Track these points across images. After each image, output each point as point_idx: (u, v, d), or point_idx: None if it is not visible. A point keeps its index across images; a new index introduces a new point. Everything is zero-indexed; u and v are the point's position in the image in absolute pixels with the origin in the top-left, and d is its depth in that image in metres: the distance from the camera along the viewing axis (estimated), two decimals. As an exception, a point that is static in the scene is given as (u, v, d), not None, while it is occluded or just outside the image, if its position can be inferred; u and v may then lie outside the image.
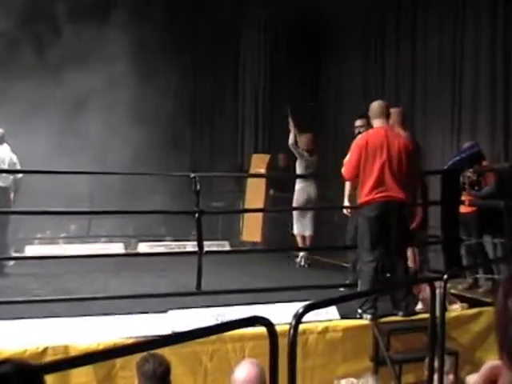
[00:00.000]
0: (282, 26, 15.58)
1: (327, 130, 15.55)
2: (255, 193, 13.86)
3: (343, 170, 7.65)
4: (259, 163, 14.26)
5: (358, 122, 9.31)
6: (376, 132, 7.36)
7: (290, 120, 11.76)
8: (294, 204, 11.46)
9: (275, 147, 14.43)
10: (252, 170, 14.43)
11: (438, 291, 5.59)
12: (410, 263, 7.92)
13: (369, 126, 8.95)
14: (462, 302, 7.76)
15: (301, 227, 11.51)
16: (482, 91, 11.19)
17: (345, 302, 5.73)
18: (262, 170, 13.98)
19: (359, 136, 7.54)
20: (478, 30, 11.34)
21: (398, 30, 13.39)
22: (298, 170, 11.56)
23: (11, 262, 10.33)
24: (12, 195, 10.60)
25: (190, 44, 15.63)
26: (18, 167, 10.62)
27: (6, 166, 10.33)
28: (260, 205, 13.56)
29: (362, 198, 7.23)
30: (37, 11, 12.81)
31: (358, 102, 14.17)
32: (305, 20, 15.46)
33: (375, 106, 7.53)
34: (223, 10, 15.54)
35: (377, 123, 7.43)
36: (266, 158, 14.31)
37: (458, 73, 11.73)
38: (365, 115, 9.34)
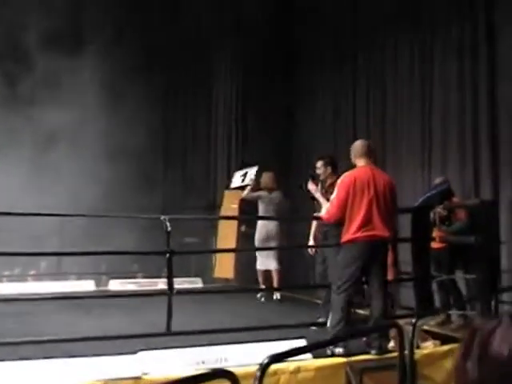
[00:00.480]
0: (253, 62, 15.64)
1: (299, 168, 15.54)
2: (227, 228, 13.85)
3: (327, 210, 7.59)
4: (232, 199, 14.23)
5: (318, 164, 9.39)
6: (361, 170, 7.39)
7: (253, 180, 12.24)
8: (256, 240, 11.91)
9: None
10: (225, 206, 14.42)
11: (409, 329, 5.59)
12: None
13: (326, 167, 9.15)
14: (434, 338, 7.73)
15: (263, 262, 11.90)
16: (451, 128, 11.28)
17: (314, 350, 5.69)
18: (235, 206, 13.94)
19: (345, 174, 7.50)
20: (447, 69, 11.47)
21: (370, 66, 13.51)
22: (260, 208, 11.97)
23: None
24: None
25: (161, 79, 15.65)
26: None
27: None
28: (232, 240, 13.54)
29: (348, 235, 7.21)
30: (5, 45, 12.75)
31: (328, 139, 14.31)
32: (277, 60, 15.60)
33: (358, 145, 7.57)
34: (195, 45, 15.60)
35: (360, 162, 7.46)
36: (239, 194, 14.25)
37: (427, 109, 11.83)
38: (323, 157, 9.49)
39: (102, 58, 13.07)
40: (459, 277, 9.43)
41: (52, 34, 12.97)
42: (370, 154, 7.52)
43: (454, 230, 9.33)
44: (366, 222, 7.13)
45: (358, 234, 7.14)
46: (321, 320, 8.50)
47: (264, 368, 3.24)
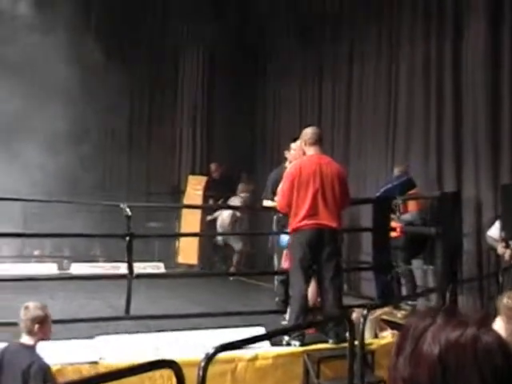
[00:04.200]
0: (221, 46, 15.61)
1: (265, 157, 15.55)
2: (191, 214, 13.81)
3: (277, 200, 7.62)
4: (195, 184, 14.24)
5: (293, 145, 9.33)
6: (309, 160, 7.32)
7: None
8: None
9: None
10: (188, 191, 14.40)
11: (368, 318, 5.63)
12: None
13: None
14: (393, 329, 7.78)
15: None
16: (415, 119, 11.27)
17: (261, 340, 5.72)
18: (199, 192, 13.96)
19: (292, 164, 7.48)
20: (413, 60, 11.46)
21: (336, 56, 13.46)
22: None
23: None
24: None
25: (129, 63, 15.56)
26: None
27: None
28: (196, 226, 13.56)
29: (294, 224, 7.18)
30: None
31: (294, 128, 14.26)
32: (244, 43, 15.55)
33: (309, 132, 7.46)
34: (162, 29, 15.53)
35: (310, 151, 7.38)
36: (203, 179, 14.29)
37: (393, 99, 11.81)
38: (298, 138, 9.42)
39: (71, 41, 12.92)
40: (417, 267, 9.49)
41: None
42: (320, 142, 7.47)
43: (404, 220, 9.38)
44: (312, 213, 7.08)
45: (303, 223, 7.10)
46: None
47: (209, 358, 3.23)
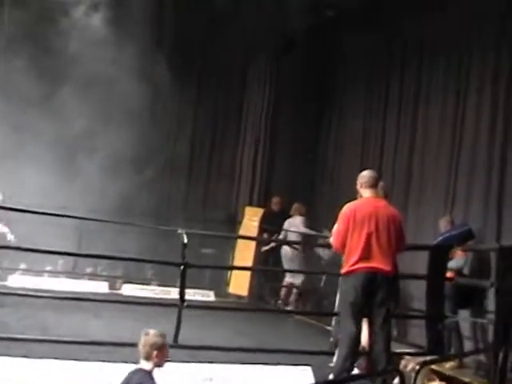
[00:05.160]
0: (286, 79, 15.64)
1: (323, 194, 15.55)
2: (246, 243, 13.81)
3: (331, 240, 7.59)
4: (252, 215, 14.25)
5: None
6: (365, 202, 7.30)
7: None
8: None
9: (270, 200, 14.58)
10: (245, 222, 14.43)
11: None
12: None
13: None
14: (441, 380, 7.65)
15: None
16: (478, 168, 11.08)
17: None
18: (255, 223, 13.96)
19: (347, 205, 7.42)
20: (479, 106, 11.32)
21: (400, 97, 13.41)
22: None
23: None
24: None
25: (195, 88, 15.78)
26: None
27: None
28: (250, 256, 13.56)
29: (347, 267, 7.11)
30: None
31: (355, 169, 14.20)
32: (309, 77, 15.59)
33: (366, 175, 7.44)
34: (231, 58, 15.66)
35: (366, 193, 7.36)
36: (259, 211, 14.30)
37: (456, 146, 11.65)
38: None
39: (139, 62, 13.15)
40: (463, 318, 9.29)
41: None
42: (376, 186, 7.46)
43: (449, 267, 9.22)
44: (365, 255, 7.01)
45: (357, 266, 7.02)
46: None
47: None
